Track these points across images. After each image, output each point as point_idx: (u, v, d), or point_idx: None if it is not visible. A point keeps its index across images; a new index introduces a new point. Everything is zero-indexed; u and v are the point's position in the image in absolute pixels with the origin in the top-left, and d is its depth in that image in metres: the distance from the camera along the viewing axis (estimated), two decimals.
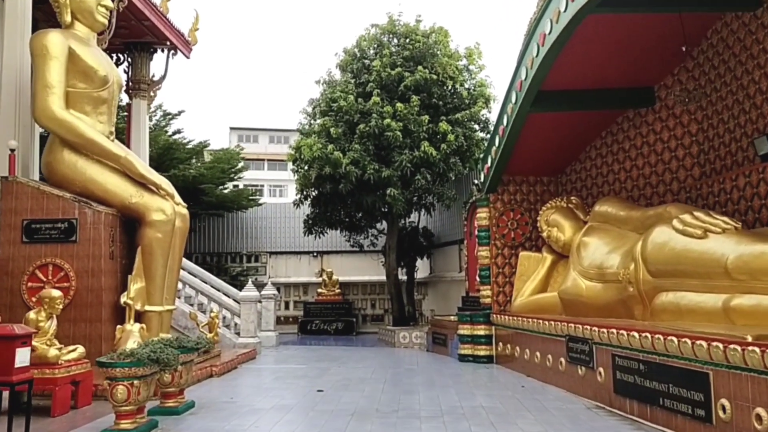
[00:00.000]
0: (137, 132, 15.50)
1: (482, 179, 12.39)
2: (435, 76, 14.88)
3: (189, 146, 19.56)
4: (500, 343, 11.32)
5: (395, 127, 14.22)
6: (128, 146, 15.52)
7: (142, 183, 10.26)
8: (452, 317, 13.96)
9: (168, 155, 18.04)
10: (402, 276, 17.85)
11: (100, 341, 9.45)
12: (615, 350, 7.16)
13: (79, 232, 9.68)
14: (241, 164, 20.59)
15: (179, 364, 6.64)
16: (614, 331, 7.14)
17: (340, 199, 15.75)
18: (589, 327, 7.78)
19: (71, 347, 7.49)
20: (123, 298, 9.67)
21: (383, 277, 18.93)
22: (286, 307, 20.57)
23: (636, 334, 6.64)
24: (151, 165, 17.90)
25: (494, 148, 11.61)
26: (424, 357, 12.83)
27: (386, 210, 16.20)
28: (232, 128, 56.52)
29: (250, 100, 74.53)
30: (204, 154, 20.36)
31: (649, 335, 6.41)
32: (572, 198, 11.02)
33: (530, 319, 9.81)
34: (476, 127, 15.78)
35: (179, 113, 20.55)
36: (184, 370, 7.02)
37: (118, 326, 8.96)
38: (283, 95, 75.54)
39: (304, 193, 16.52)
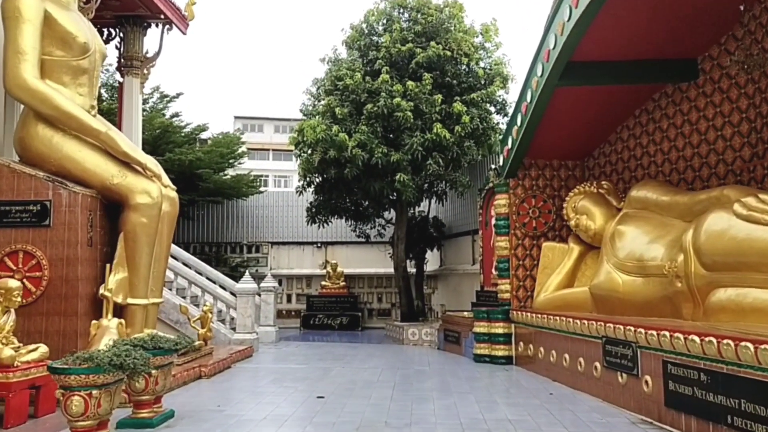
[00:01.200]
0: (129, 112, 14.49)
1: (501, 163, 11.30)
2: (449, 53, 13.77)
3: (186, 130, 18.52)
4: (521, 343, 10.26)
5: (405, 106, 13.14)
6: (119, 128, 14.56)
7: (126, 162, 9.23)
8: (466, 313, 12.92)
9: (164, 138, 17.02)
10: (411, 269, 16.79)
11: (75, 337, 8.43)
12: (667, 356, 6.09)
13: (53, 215, 8.65)
14: (241, 149, 19.53)
15: (152, 369, 5.61)
16: (667, 333, 6.06)
17: (345, 186, 14.70)
18: (633, 328, 6.70)
19: (32, 346, 6.50)
20: (102, 290, 8.66)
21: (391, 270, 17.90)
22: (288, 300, 19.58)
23: (696, 339, 5.57)
24: (145, 149, 16.92)
25: (515, 128, 10.52)
26: (435, 356, 11.79)
27: (395, 198, 15.14)
28: (236, 117, 55.51)
29: (254, 87, 73.50)
30: (203, 140, 19.32)
31: (714, 340, 5.33)
32: (603, 182, 9.93)
33: (557, 317, 8.74)
34: (492, 109, 14.68)
35: (177, 95, 19.55)
36: (161, 374, 6.00)
37: (93, 321, 7.92)
38: (289, 83, 74.49)
39: (307, 179, 15.46)
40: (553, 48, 8.84)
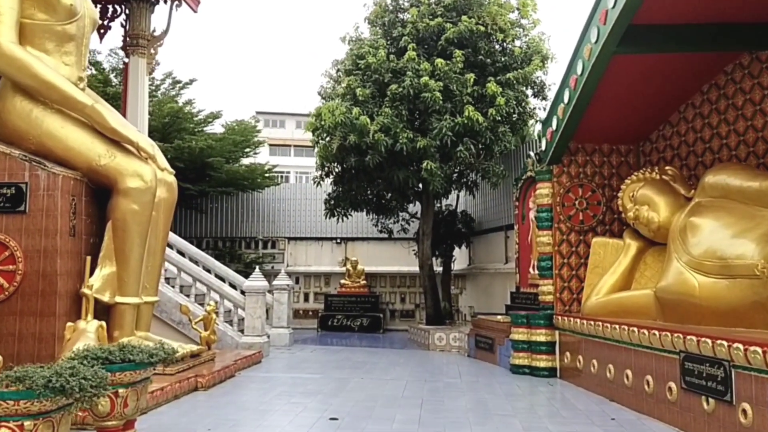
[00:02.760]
0: (135, 95, 13.42)
1: (543, 147, 9.93)
2: (482, 28, 12.42)
3: (199, 117, 17.39)
4: (567, 354, 8.89)
5: (434, 86, 11.82)
6: (124, 111, 13.53)
7: (116, 141, 8.07)
8: (499, 317, 11.59)
9: (174, 126, 15.90)
10: (437, 267, 15.46)
11: (53, 341, 7.29)
12: None
13: (29, 199, 7.52)
14: (257, 138, 18.31)
15: (110, 390, 4.39)
16: None
17: (366, 176, 13.43)
18: (725, 343, 5.33)
19: None
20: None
21: (415, 268, 16.61)
22: (306, 299, 18.37)
23: None
24: (154, 137, 15.84)
25: (561, 106, 9.15)
26: (465, 365, 10.47)
27: (420, 189, 13.86)
28: (257, 112, 54.63)
29: (275, 82, 72.59)
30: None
31: None
32: (668, 168, 8.52)
33: (616, 326, 7.37)
34: (529, 91, 13.31)
35: (191, 82, 18.41)
36: (132, 393, 4.78)
37: (68, 324, 6.77)
38: (310, 77, 73.47)
39: (325, 168, 14.22)
40: (612, 7, 7.47)
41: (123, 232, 7.90)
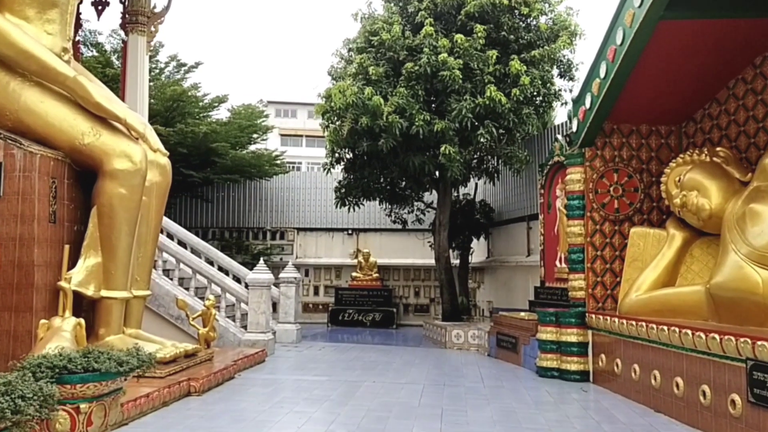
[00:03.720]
0: (134, 75, 12.62)
1: (575, 128, 9.01)
2: (505, 1, 11.47)
3: (204, 101, 16.58)
4: (601, 356, 8.01)
5: (453, 64, 10.92)
6: (123, 92, 12.77)
7: (102, 118, 7.28)
8: (523, 314, 10.73)
9: (177, 109, 15.11)
10: (453, 260, 14.58)
11: (29, 340, 6.54)
12: None
13: (3, 182, 6.76)
14: (265, 122, 17.45)
15: (75, 403, 3.60)
16: None
17: (379, 162, 12.58)
18: None
19: None
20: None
21: (430, 261, 15.80)
22: (315, 292, 17.58)
23: None
24: (155, 121, 15.08)
25: (597, 81, 8.23)
26: (486, 366, 9.63)
27: (437, 176, 12.98)
28: (269, 102, 53.87)
29: (287, 72, 71.63)
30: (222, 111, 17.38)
31: None
32: (719, 149, 7.58)
33: (663, 327, 6.47)
34: (554, 71, 12.36)
35: (196, 65, 17.59)
36: (97, 408, 3.99)
37: (42, 321, 6.00)
38: (322, 65, 72.53)
39: (336, 154, 13.37)
40: None
41: (109, 218, 7.13)
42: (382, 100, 11.00)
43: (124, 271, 7.23)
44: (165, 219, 12.13)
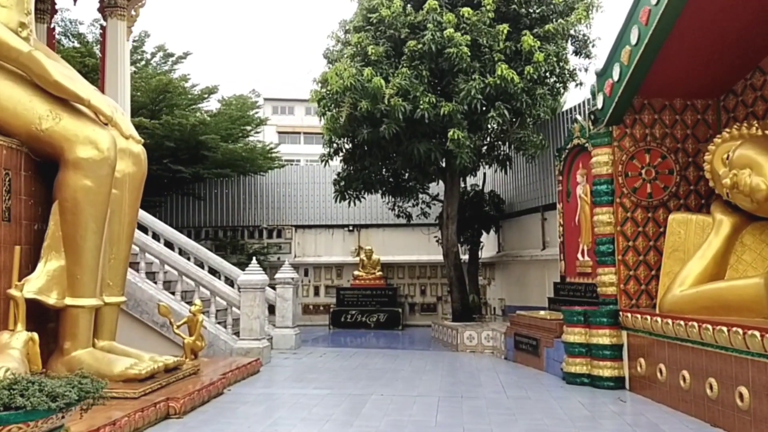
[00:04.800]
0: (114, 62, 11.71)
1: (600, 104, 8.05)
2: None
3: (194, 92, 15.62)
4: (640, 360, 7.05)
5: (460, 40, 9.97)
6: (102, 81, 11.86)
7: (64, 100, 6.34)
8: (542, 312, 9.79)
9: (165, 101, 14.15)
10: (462, 255, 13.62)
11: None
12: None
13: None
14: (258, 113, 16.47)
15: None
16: None
17: (380, 151, 11.62)
18: None
19: None
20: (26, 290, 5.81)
21: (436, 257, 14.88)
22: (316, 293, 16.63)
23: None
24: (141, 113, 14.12)
25: (627, 49, 7.26)
26: (505, 372, 8.68)
27: (444, 166, 12.04)
28: (266, 99, 52.95)
29: (283, 68, 70.54)
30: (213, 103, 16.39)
31: None
32: None
33: (721, 328, 5.51)
34: (569, 48, 11.40)
35: (185, 55, 16.64)
36: None
37: None
38: (319, 59, 71.26)
39: (334, 145, 12.41)
40: None
41: (73, 215, 6.18)
42: (383, 82, 10.05)
43: (92, 275, 6.28)
44: (150, 218, 11.24)
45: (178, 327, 7.97)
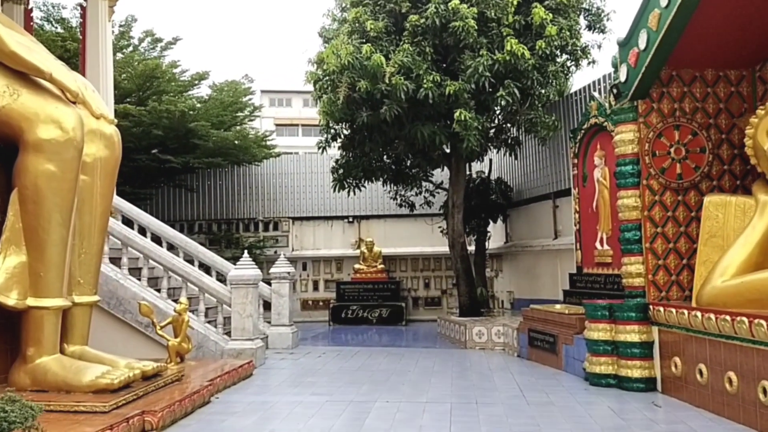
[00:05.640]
0: (95, 44, 11.05)
1: (623, 76, 7.29)
2: None
3: (184, 78, 14.84)
4: (675, 360, 6.32)
5: (466, 12, 9.21)
6: (83, 64, 11.15)
7: (23, 74, 5.60)
8: (558, 306, 9.08)
9: (152, 87, 13.38)
10: (468, 246, 12.88)
11: None
12: None
13: None
14: (252, 98, 15.65)
15: None
16: None
17: (381, 135, 10.85)
18: None
19: None
20: None
21: (440, 248, 14.22)
22: (315, 287, 15.92)
23: None
24: (128, 101, 13.37)
25: (655, 13, 6.51)
26: (520, 371, 7.97)
27: (449, 151, 11.30)
28: (263, 91, 52.08)
29: (280, 60, 69.48)
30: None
31: None
32: None
33: None
34: (582, 22, 10.64)
35: (175, 41, 15.82)
36: None
37: None
38: (315, 44, 70.02)
39: (332, 131, 11.64)
40: None
41: (35, 204, 5.45)
42: (383, 59, 9.29)
43: (58, 272, 5.56)
44: (135, 209, 10.49)
45: (162, 328, 7.25)
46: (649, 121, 7.10)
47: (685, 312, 6.05)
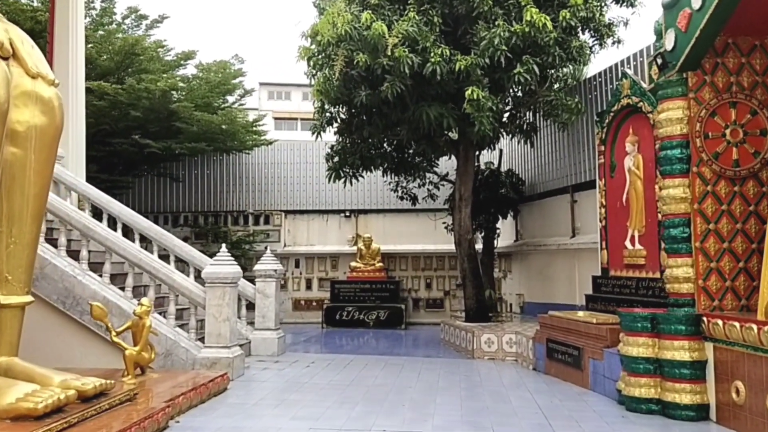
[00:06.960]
0: (64, 15, 10.00)
1: (670, 44, 6.15)
2: None
3: (169, 56, 13.68)
4: (736, 383, 5.19)
5: None
6: (51, 39, 10.11)
7: None
8: (581, 313, 7.94)
9: (132, 65, 12.23)
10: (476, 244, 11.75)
11: None
12: None
13: None
14: (242, 80, 14.49)
15: None
16: None
17: (382, 119, 9.73)
18: None
19: None
20: None
21: (443, 246, 13.18)
22: (308, 286, 14.81)
23: None
24: (102, 78, 12.23)
25: None
26: (539, 389, 6.84)
27: (456, 138, 10.17)
28: (261, 84, 50.92)
29: (279, 52, 68.19)
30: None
31: None
32: None
33: None
34: None
35: (161, 18, 14.65)
36: None
37: None
38: (309, 15, 68.69)
39: (327, 114, 10.52)
40: None
41: None
42: (385, 29, 8.15)
43: None
44: (105, 197, 9.27)
45: (119, 334, 6.12)
46: (701, 96, 5.97)
47: (754, 327, 4.91)
